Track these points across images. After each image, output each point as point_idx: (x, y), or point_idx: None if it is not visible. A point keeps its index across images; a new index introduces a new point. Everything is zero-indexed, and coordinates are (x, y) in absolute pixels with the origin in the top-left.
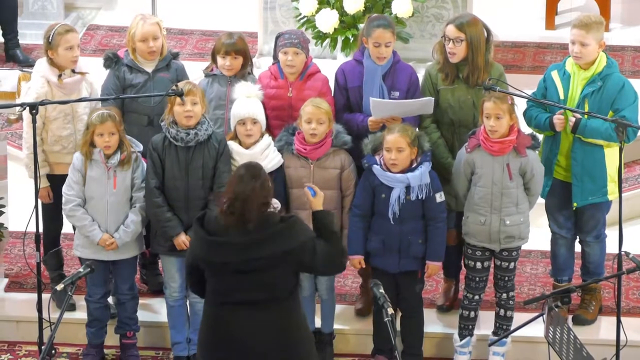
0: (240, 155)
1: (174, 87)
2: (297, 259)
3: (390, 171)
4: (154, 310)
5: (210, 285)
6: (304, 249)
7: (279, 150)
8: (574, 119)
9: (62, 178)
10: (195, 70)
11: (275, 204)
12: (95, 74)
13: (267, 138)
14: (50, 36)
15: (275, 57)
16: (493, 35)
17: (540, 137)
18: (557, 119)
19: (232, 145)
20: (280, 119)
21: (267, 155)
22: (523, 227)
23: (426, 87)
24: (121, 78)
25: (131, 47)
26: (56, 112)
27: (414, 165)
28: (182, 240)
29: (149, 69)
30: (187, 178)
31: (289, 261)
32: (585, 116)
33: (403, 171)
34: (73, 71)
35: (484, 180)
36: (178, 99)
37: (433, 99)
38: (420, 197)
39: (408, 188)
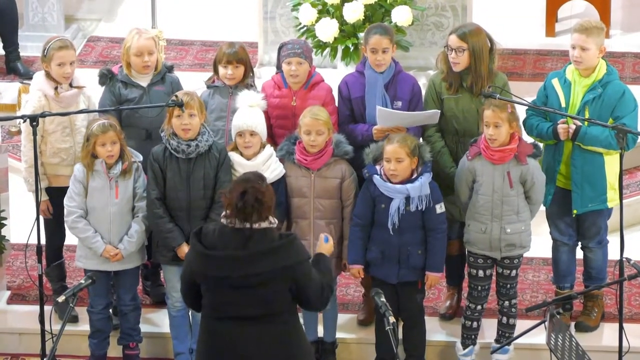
0: (242, 166)
1: (173, 98)
2: (293, 277)
3: (391, 181)
4: (156, 321)
5: (207, 300)
6: (300, 268)
7: (280, 159)
8: (573, 126)
9: (61, 190)
10: (195, 81)
11: (273, 220)
12: (94, 86)
13: (268, 149)
14: (46, 50)
15: (278, 67)
16: (497, 44)
17: (542, 145)
18: (562, 127)
19: (234, 156)
20: (284, 128)
21: (269, 166)
22: (524, 236)
23: (430, 96)
24: (116, 94)
25: (126, 60)
26: (54, 125)
27: (414, 176)
28: (185, 250)
29: (144, 83)
30: (188, 188)
31: (285, 278)
32: (586, 123)
33: (403, 182)
34: (70, 85)
35: (484, 188)
36: (176, 111)
37: (439, 111)
38: (420, 208)
39: (408, 199)
